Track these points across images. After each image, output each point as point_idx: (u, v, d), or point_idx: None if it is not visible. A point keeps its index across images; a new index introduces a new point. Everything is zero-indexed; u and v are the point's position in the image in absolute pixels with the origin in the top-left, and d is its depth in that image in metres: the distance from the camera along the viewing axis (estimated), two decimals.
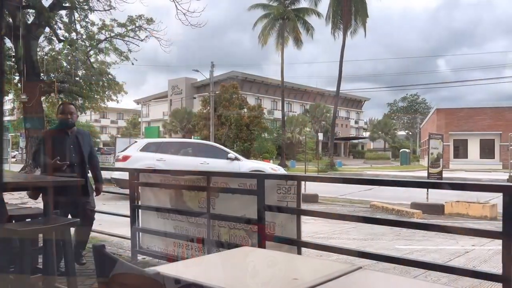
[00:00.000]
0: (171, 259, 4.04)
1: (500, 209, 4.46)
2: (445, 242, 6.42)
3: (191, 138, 36.16)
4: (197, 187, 4.05)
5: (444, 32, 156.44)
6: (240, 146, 36.79)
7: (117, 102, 21.21)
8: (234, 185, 3.77)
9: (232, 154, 12.68)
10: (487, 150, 36.95)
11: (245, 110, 39.09)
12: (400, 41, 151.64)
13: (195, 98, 54.65)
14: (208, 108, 37.73)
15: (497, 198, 10.22)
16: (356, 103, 75.17)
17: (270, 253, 2.07)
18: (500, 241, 2.43)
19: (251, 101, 47.24)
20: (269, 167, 12.92)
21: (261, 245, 3.40)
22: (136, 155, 11.86)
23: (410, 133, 75.48)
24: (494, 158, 36.44)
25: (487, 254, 5.59)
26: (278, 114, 49.11)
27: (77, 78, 18.86)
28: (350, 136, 67.65)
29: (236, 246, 3.50)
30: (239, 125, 37.37)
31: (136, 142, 13.36)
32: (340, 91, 35.91)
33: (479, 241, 6.16)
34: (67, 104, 4.29)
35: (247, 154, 33.77)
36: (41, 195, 3.83)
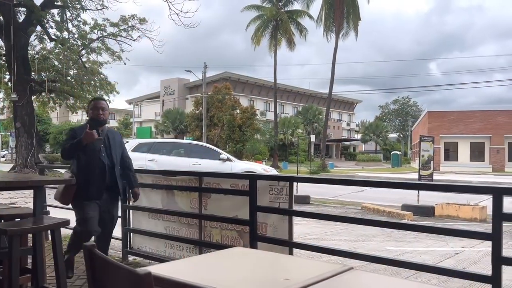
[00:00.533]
0: (162, 259, 4.02)
1: (489, 211, 4.50)
2: (436, 243, 6.47)
3: (183, 139, 36.08)
4: (189, 187, 4.04)
5: (435, 36, 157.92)
6: (233, 147, 36.76)
7: (109, 102, 21.04)
8: (226, 186, 3.76)
9: (224, 155, 12.66)
10: (477, 153, 37.33)
11: (238, 111, 39.08)
12: (392, 44, 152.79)
13: (187, 98, 54.51)
14: (201, 109, 37.65)
15: (486, 200, 10.33)
16: (348, 105, 75.50)
17: (262, 254, 2.07)
18: (489, 243, 2.46)
19: (244, 102, 47.24)
20: (261, 168, 12.92)
21: (253, 245, 3.40)
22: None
23: (402, 135, 75.93)
24: (484, 161, 36.81)
25: (476, 256, 5.64)
26: (270, 116, 49.18)
27: (69, 78, 18.69)
28: (342, 138, 67.92)
29: (228, 246, 3.49)
30: (231, 126, 37.35)
31: (127, 142, 13.27)
32: (333, 93, 36.06)
33: (469, 242, 6.22)
34: (99, 99, 3.82)
35: (240, 155, 33.75)
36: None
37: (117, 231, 4.79)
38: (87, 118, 3.86)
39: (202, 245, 3.89)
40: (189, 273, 1.63)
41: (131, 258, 4.64)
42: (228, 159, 12.41)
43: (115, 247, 5.25)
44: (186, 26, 10.51)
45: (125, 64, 18.90)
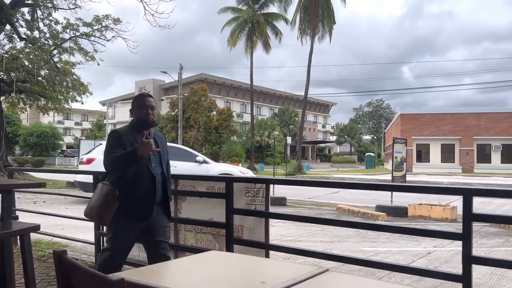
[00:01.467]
0: (136, 264, 3.95)
1: (460, 211, 4.63)
2: (409, 243, 6.59)
3: None
4: None
5: (408, 40, 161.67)
6: (209, 149, 36.59)
7: (82, 103, 20.63)
8: (202, 188, 3.74)
9: (200, 157, 12.57)
10: (447, 155, 38.37)
11: (214, 113, 38.95)
12: (366, 47, 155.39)
13: (163, 100, 53.94)
14: (176, 110, 37.33)
15: (457, 201, 10.62)
16: (323, 107, 76.38)
17: (238, 257, 2.06)
18: (460, 243, 2.52)
19: (220, 104, 47.12)
20: (238, 170, 12.89)
21: (229, 249, 3.38)
22: (101, 157, 11.55)
23: (375, 137, 77.37)
24: (454, 162, 37.86)
25: (448, 255, 5.78)
26: (247, 118, 49.26)
27: (40, 78, 18.22)
28: (318, 140, 68.63)
29: (204, 250, 3.46)
30: (207, 128, 37.18)
31: (101, 144, 13.03)
32: (308, 96, 36.40)
33: (440, 242, 6.37)
34: (146, 96, 3.08)
35: (216, 157, 33.62)
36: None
37: (90, 235, 4.69)
38: (132, 118, 3.06)
39: (177, 249, 3.84)
40: (164, 278, 1.60)
41: None
42: (204, 161, 12.34)
43: (88, 251, 5.13)
44: (161, 27, 10.42)
45: (98, 64, 18.58)
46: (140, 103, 2.99)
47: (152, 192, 2.89)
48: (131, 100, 3.09)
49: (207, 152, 34.86)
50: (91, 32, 17.79)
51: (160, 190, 2.95)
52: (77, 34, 17.92)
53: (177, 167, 11.87)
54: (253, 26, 36.66)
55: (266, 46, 37.12)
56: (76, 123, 75.65)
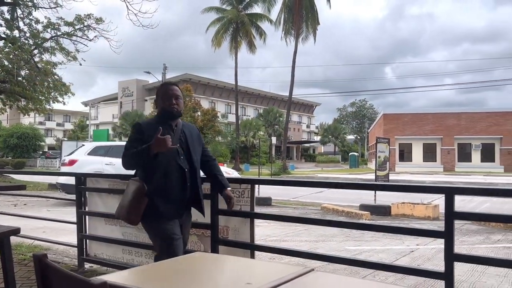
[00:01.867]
0: (120, 266, 3.91)
1: (442, 209, 4.69)
2: (392, 242, 6.67)
3: None
4: None
5: (390, 41, 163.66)
6: None
7: (64, 104, 20.29)
8: None
9: None
10: (429, 154, 38.97)
11: (199, 113, 38.78)
12: (349, 48, 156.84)
13: (146, 100, 53.53)
14: None
15: (438, 199, 10.79)
16: (307, 107, 76.78)
17: (223, 258, 2.05)
18: (442, 240, 2.55)
19: (205, 104, 46.96)
20: (223, 170, 12.84)
21: (214, 250, 3.37)
22: (83, 159, 11.43)
23: (359, 137, 78.07)
24: (436, 161, 38.48)
25: (430, 253, 5.87)
26: (232, 118, 49.16)
27: (20, 78, 17.85)
28: (302, 140, 68.95)
29: (188, 251, 3.44)
30: None
31: (83, 145, 12.86)
32: (293, 96, 36.52)
33: (423, 240, 6.46)
34: (170, 85, 2.86)
35: None
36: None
37: (73, 238, 4.62)
38: (157, 109, 2.87)
39: None
40: (148, 280, 1.59)
41: (87, 265, 4.48)
42: None
43: (70, 254, 5.05)
44: (144, 26, 10.30)
45: (80, 64, 18.28)
46: (164, 93, 2.79)
47: (182, 187, 2.72)
48: (156, 90, 2.91)
49: None
50: (72, 32, 17.50)
51: (190, 185, 2.76)
52: (58, 33, 17.61)
53: None
54: (238, 27, 36.63)
55: (251, 47, 37.12)
56: (58, 124, 74.48)
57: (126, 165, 2.66)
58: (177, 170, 2.70)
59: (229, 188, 3.04)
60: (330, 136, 68.47)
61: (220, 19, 37.09)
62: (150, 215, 2.64)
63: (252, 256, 3.33)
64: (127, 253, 4.07)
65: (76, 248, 4.48)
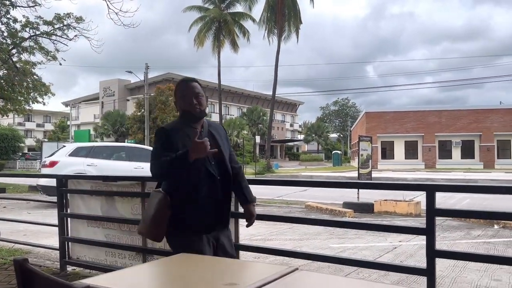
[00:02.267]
0: (103, 269, 3.86)
1: (423, 206, 4.77)
2: (375, 239, 6.75)
3: (124, 142, 34.97)
4: (131, 193, 3.91)
5: (372, 40, 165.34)
6: None
7: (44, 104, 19.94)
8: None
9: None
10: (411, 151, 39.56)
11: None
12: (332, 47, 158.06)
13: (128, 100, 52.90)
14: (143, 110, 36.69)
15: (420, 196, 10.97)
16: (291, 106, 77.07)
17: (208, 259, 2.05)
18: (424, 237, 2.60)
19: None
20: None
21: None
22: (65, 160, 11.25)
23: (342, 135, 78.77)
24: (417, 158, 39.08)
25: (413, 249, 5.96)
26: (215, 117, 48.97)
27: None
28: (286, 138, 69.20)
29: (173, 253, 3.42)
30: None
31: (64, 146, 12.65)
32: (276, 95, 36.61)
33: (405, 237, 6.56)
34: (188, 82, 2.50)
35: None
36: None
37: (54, 241, 4.54)
38: (179, 111, 2.51)
39: (146, 252, 3.78)
40: (132, 282, 1.57)
41: (70, 268, 4.41)
42: None
43: (52, 257, 4.97)
44: (126, 25, 10.16)
45: (60, 64, 17.96)
46: (182, 92, 2.45)
47: (213, 197, 2.36)
48: (174, 90, 2.57)
49: None
50: (52, 31, 17.18)
51: (221, 194, 2.41)
52: (37, 33, 17.26)
53: (144, 168, 11.69)
54: (220, 25, 36.52)
55: (234, 45, 37.06)
56: (38, 125, 73.12)
57: (159, 176, 2.37)
58: (208, 178, 2.34)
59: (253, 204, 2.69)
60: (313, 135, 68.92)
61: (203, 18, 36.91)
62: (176, 229, 2.31)
63: (237, 256, 3.33)
64: (111, 255, 4.02)
65: (58, 251, 4.42)
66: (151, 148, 13.65)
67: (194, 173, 2.29)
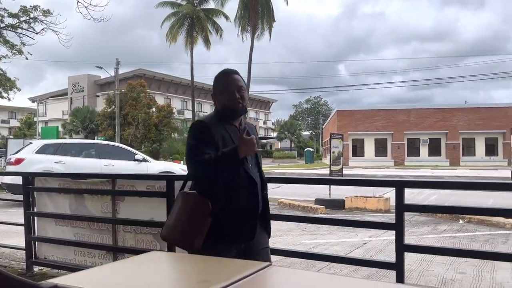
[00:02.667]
0: (72, 268, 3.77)
1: (393, 202, 4.88)
2: (346, 234, 6.86)
3: (94, 139, 34.21)
4: (101, 191, 3.83)
5: (344, 39, 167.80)
6: (149, 147, 35.67)
7: (9, 99, 19.29)
8: (142, 187, 3.64)
9: (139, 155, 12.24)
10: (380, 149, 40.45)
11: (154, 109, 37.99)
12: (305, 45, 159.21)
13: (98, 96, 51.75)
14: (113, 107, 35.98)
15: (389, 192, 11.22)
16: (264, 104, 77.30)
17: (180, 257, 2.03)
18: (393, 232, 2.66)
19: (160, 100, 46.10)
20: (180, 168, 12.71)
21: (171, 248, 3.32)
22: (31, 157, 10.91)
23: (314, 133, 79.68)
24: (387, 155, 39.99)
25: (382, 244, 6.10)
26: (188, 114, 48.60)
27: None
28: (259, 136, 69.25)
29: (144, 251, 3.37)
30: (147, 125, 36.21)
31: (31, 143, 12.26)
32: (249, 92, 36.63)
33: (375, 232, 6.69)
34: (231, 74, 2.25)
35: (156, 155, 32.88)
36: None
37: (20, 241, 4.40)
38: (217, 105, 2.29)
39: (116, 251, 3.71)
40: (101, 282, 1.54)
41: (36, 268, 4.29)
42: (144, 160, 12.04)
43: (17, 257, 4.82)
44: (95, 20, 9.91)
45: (27, 58, 17.39)
46: (223, 85, 2.22)
47: (254, 202, 2.16)
48: (212, 82, 2.31)
49: (147, 150, 33.98)
50: (17, 24, 16.60)
51: (261, 198, 2.23)
52: (2, 25, 16.66)
53: (115, 166, 11.49)
54: (193, 22, 36.20)
55: (207, 42, 36.82)
56: (3, 121, 70.58)
57: (201, 176, 2.13)
58: (248, 182, 2.14)
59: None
60: (286, 132, 69.41)
61: (175, 14, 36.49)
62: (214, 239, 2.09)
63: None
64: (80, 254, 3.93)
65: (24, 251, 4.28)
66: (122, 145, 13.48)
67: (233, 176, 2.10)
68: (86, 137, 40.77)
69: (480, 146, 39.03)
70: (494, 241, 6.50)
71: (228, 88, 2.18)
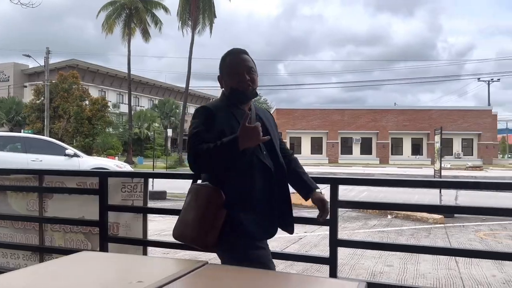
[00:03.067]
0: None
1: (327, 198, 5.05)
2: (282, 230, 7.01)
3: (20, 132, 31.98)
4: (26, 187, 3.59)
5: (283, 39, 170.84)
6: (81, 141, 33.98)
7: None
8: (72, 184, 3.45)
9: (70, 150, 11.64)
10: (316, 147, 41.80)
11: (87, 102, 36.24)
12: (246, 43, 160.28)
13: (26, 86, 48.42)
14: (42, 98, 33.83)
15: (324, 189, 11.61)
16: (205, 100, 76.63)
17: (112, 257, 1.95)
18: (327, 227, 2.75)
19: (94, 93, 44.07)
20: (114, 164, 12.26)
21: (103, 248, 3.19)
22: None
23: None
24: (322, 153, 41.41)
25: (317, 239, 6.30)
26: (124, 108, 46.91)
27: None
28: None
29: (74, 251, 3.21)
30: (79, 119, 34.45)
31: None
32: (189, 88, 36.14)
33: (310, 228, 6.90)
34: (239, 54, 2.02)
35: (89, 150, 31.44)
36: None
37: None
38: (224, 88, 2.07)
39: (43, 251, 3.50)
40: (25, 284, 1.44)
41: None
42: (75, 155, 11.47)
43: None
44: (24, 5, 9.26)
45: None
46: (232, 66, 1.99)
47: (270, 194, 1.95)
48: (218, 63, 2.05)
49: (79, 144, 32.37)
50: None
51: (278, 189, 2.00)
52: None
53: (43, 161, 10.84)
54: (131, 13, 34.97)
55: (145, 35, 35.75)
56: None
57: (202, 168, 1.94)
58: (261, 171, 1.93)
59: (318, 190, 2.25)
60: None
61: (113, 3, 35.03)
62: (231, 235, 1.88)
63: (145, 253, 3.22)
64: (2, 256, 3.66)
65: None
66: (51, 139, 12.72)
67: (245, 165, 1.87)
68: (11, 130, 38.00)
69: (407, 146, 41.66)
70: (418, 235, 6.97)
71: (237, 70, 1.97)
